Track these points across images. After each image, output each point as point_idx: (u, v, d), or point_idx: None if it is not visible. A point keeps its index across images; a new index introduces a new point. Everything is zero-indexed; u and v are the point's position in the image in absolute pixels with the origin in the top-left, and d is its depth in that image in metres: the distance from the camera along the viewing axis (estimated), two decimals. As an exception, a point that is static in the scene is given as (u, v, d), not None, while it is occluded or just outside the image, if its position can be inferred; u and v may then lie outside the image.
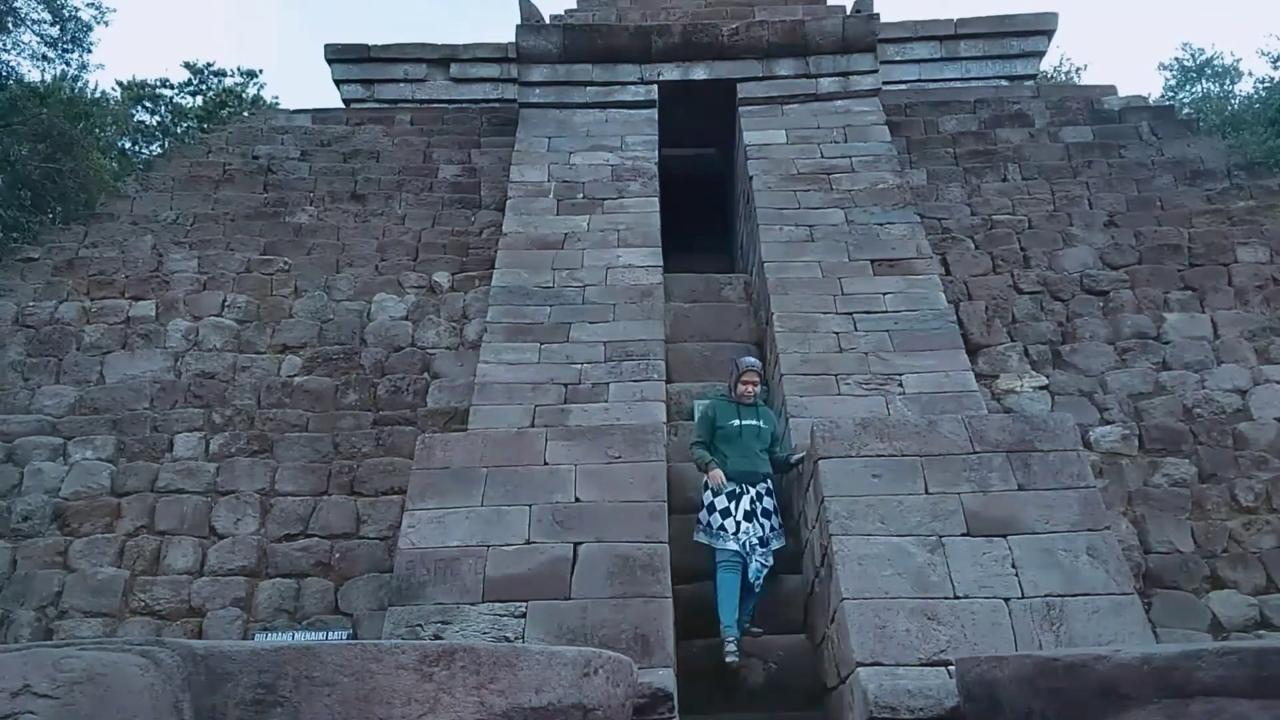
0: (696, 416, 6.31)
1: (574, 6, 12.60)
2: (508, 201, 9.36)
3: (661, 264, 8.64)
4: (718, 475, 5.80)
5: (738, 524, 5.65)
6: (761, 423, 6.04)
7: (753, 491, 5.80)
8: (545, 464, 5.88)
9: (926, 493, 5.28)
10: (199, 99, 19.21)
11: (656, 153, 9.99)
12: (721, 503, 5.74)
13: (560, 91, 10.55)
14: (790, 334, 7.56)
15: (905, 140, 10.30)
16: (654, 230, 8.97)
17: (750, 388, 6.08)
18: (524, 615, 5.15)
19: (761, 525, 5.74)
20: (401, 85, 11.92)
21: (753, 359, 6.41)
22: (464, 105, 11.67)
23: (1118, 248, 8.74)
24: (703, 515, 5.82)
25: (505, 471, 5.83)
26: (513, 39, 10.73)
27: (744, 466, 5.85)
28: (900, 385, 7.06)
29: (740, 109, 10.31)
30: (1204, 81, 21.88)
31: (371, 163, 10.53)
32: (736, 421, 5.94)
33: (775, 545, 5.77)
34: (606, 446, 5.94)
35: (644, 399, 7.29)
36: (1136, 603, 4.86)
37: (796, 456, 6.07)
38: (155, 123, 19.13)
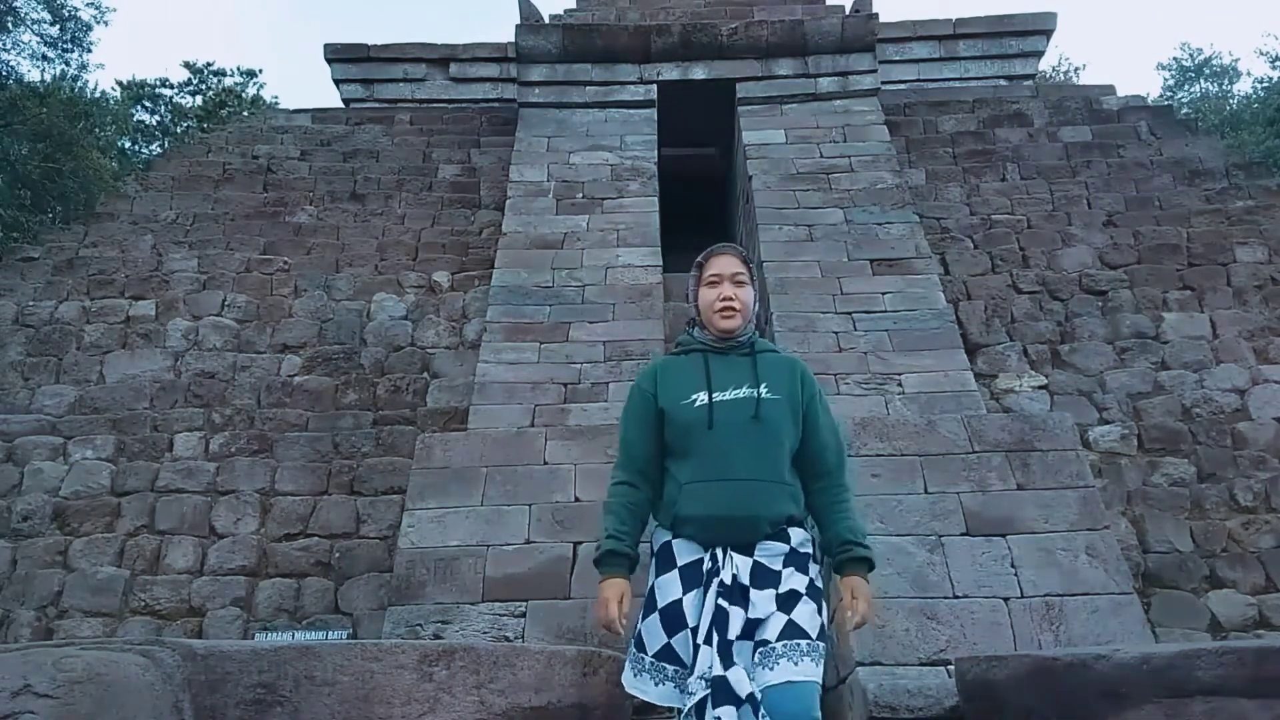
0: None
1: (573, 6, 12.60)
2: (507, 201, 9.36)
3: (661, 263, 8.64)
4: (608, 611, 2.46)
5: (693, 651, 2.34)
6: (765, 389, 2.53)
7: (739, 565, 2.41)
8: (545, 463, 5.89)
9: (925, 492, 5.29)
10: (199, 99, 19.24)
11: (656, 152, 10.00)
12: (671, 589, 2.44)
13: (560, 91, 10.56)
14: (789, 334, 7.56)
15: (904, 140, 10.30)
16: (653, 230, 8.98)
17: (730, 289, 2.62)
18: (524, 615, 5.16)
19: (747, 638, 2.33)
20: (401, 85, 11.92)
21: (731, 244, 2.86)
22: (463, 105, 11.67)
23: (1116, 247, 8.74)
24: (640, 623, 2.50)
25: (505, 471, 5.83)
26: (512, 39, 10.73)
27: (724, 506, 2.43)
28: (899, 385, 7.06)
29: (739, 109, 10.31)
30: (1202, 81, 21.92)
31: (371, 162, 10.53)
32: (703, 396, 2.53)
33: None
34: (606, 446, 5.94)
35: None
36: (1135, 602, 4.87)
37: (844, 548, 2.52)
38: (155, 123, 19.15)
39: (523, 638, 5.02)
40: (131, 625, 6.41)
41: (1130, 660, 2.67)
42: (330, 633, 6.25)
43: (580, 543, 5.43)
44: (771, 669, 2.25)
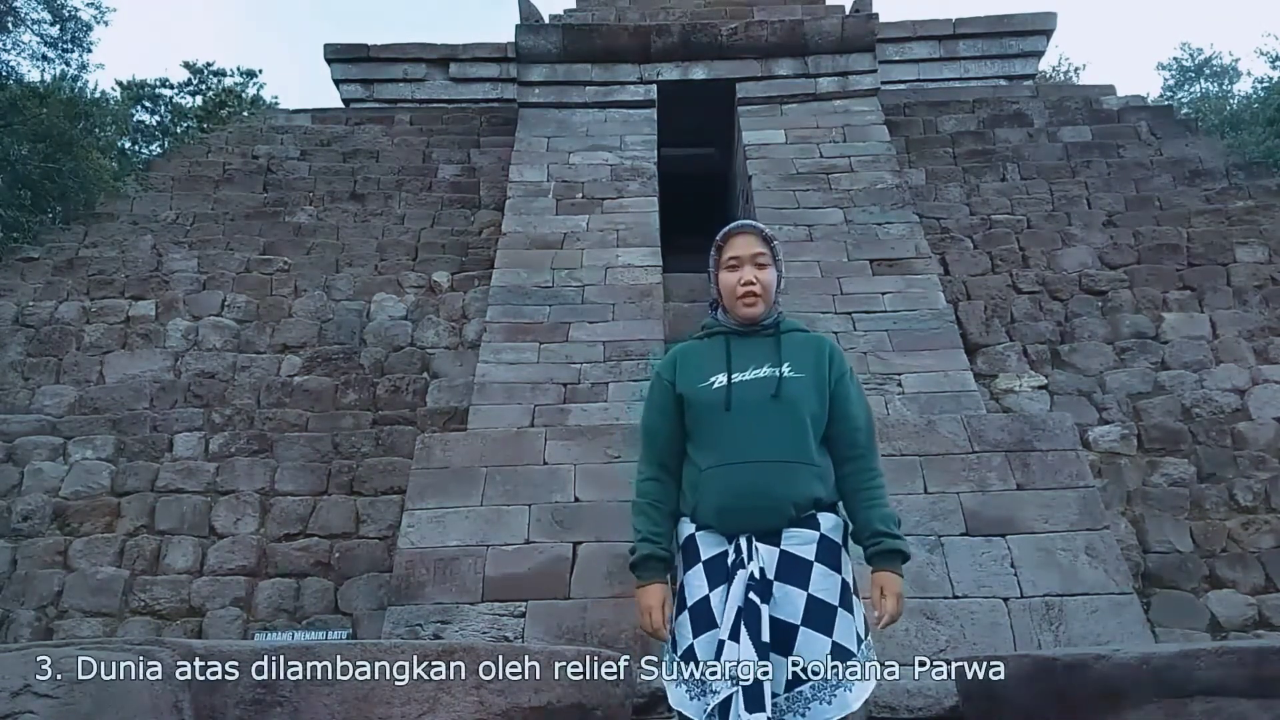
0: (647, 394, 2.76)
1: (573, 6, 12.61)
2: (507, 201, 9.36)
3: (661, 264, 8.64)
4: (651, 620, 2.39)
5: (717, 649, 2.23)
6: (788, 369, 2.42)
7: (764, 556, 2.29)
8: (545, 464, 5.89)
9: (925, 492, 5.29)
10: (199, 99, 19.18)
11: (656, 152, 10.00)
12: (697, 585, 2.34)
13: (559, 91, 10.56)
14: (789, 334, 7.55)
15: (904, 140, 10.30)
16: (653, 230, 8.98)
17: (751, 273, 2.48)
18: (523, 615, 5.16)
19: (780, 654, 2.21)
20: (401, 85, 11.92)
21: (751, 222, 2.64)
22: (463, 105, 11.67)
23: (1116, 247, 8.74)
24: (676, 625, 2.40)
25: (505, 471, 5.83)
26: (512, 39, 10.73)
27: (743, 491, 2.32)
28: (899, 385, 7.06)
29: (739, 109, 10.31)
30: (1202, 81, 21.91)
31: (371, 162, 10.53)
32: (722, 378, 2.43)
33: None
34: (606, 446, 5.94)
35: (643, 398, 7.28)
36: (1135, 602, 4.87)
37: (875, 539, 2.39)
38: (155, 123, 19.11)
39: (522, 638, 5.02)
40: (131, 625, 6.41)
41: (1130, 660, 2.66)
42: (330, 633, 6.25)
43: (580, 543, 5.43)
44: (829, 702, 2.20)
